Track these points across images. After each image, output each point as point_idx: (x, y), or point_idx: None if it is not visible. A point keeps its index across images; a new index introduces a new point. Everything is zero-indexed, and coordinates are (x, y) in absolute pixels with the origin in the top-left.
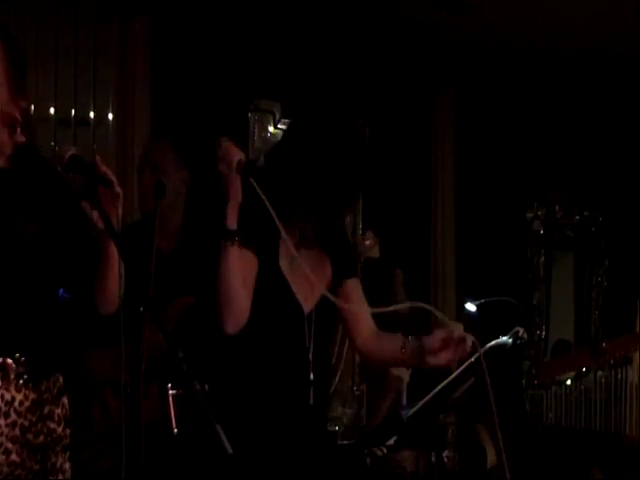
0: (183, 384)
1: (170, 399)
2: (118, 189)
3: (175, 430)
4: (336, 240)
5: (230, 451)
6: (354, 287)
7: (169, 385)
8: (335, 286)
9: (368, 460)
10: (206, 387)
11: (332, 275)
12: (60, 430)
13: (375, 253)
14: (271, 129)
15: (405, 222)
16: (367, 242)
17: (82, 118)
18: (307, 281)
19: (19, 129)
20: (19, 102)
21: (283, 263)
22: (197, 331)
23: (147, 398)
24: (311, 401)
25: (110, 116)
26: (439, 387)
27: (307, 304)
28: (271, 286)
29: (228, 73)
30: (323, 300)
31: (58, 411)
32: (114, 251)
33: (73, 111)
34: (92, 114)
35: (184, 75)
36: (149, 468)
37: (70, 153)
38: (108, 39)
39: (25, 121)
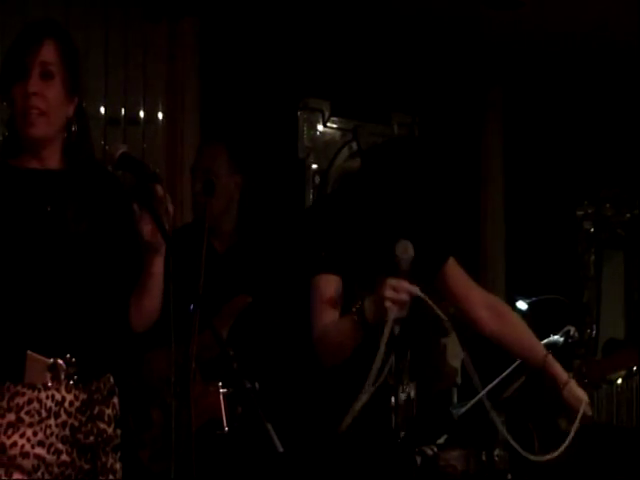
0: (234, 383)
1: (221, 397)
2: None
3: (226, 428)
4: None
5: (281, 449)
6: (453, 268)
7: (220, 384)
8: (431, 277)
9: (418, 459)
10: (257, 386)
11: (423, 268)
12: (110, 430)
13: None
14: (320, 127)
15: (454, 221)
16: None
17: (132, 117)
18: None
19: (73, 128)
20: (73, 101)
21: None
22: (254, 331)
23: (206, 397)
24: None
25: (160, 115)
26: (490, 386)
27: None
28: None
29: (277, 72)
30: None
31: (108, 411)
32: (159, 266)
33: (123, 110)
34: (142, 113)
35: (233, 74)
36: (205, 466)
37: (121, 151)
38: (157, 39)
39: (79, 120)
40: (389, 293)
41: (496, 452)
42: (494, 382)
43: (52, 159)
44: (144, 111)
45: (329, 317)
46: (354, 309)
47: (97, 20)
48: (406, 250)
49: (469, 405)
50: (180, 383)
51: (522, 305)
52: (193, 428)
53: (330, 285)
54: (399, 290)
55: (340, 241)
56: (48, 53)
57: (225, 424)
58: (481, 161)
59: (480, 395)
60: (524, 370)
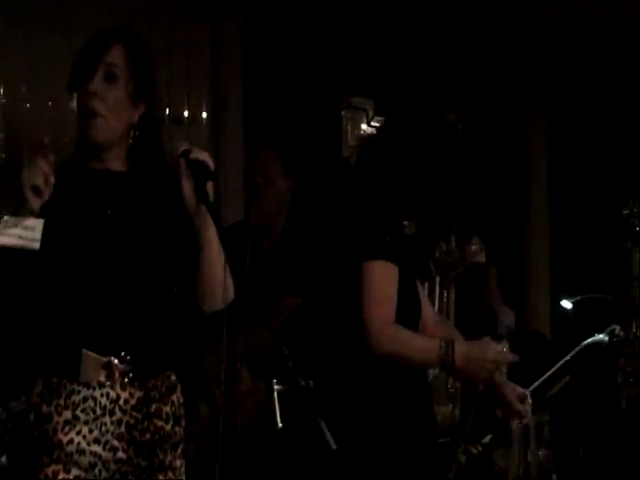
0: (288, 380)
1: (275, 395)
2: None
3: (279, 425)
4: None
5: (334, 447)
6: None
7: (274, 381)
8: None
9: (463, 458)
10: (310, 383)
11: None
12: (168, 428)
13: (481, 258)
14: (364, 126)
15: (498, 219)
16: (473, 247)
17: (176, 117)
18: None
19: (135, 133)
20: (138, 108)
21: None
22: (306, 330)
23: (254, 395)
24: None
25: (204, 115)
26: (535, 385)
27: None
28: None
29: (320, 71)
30: None
31: (166, 409)
32: (213, 234)
33: (167, 110)
34: (186, 113)
35: (276, 74)
36: (258, 463)
37: (183, 148)
38: (201, 39)
39: (144, 127)
40: (493, 357)
41: (540, 452)
42: (539, 381)
43: (115, 161)
44: (188, 111)
45: (387, 310)
46: (442, 344)
47: (141, 21)
48: (507, 315)
49: None
50: (227, 381)
51: (567, 304)
52: (239, 425)
53: (389, 274)
54: (502, 360)
55: (398, 227)
56: (115, 55)
57: (279, 421)
58: (525, 161)
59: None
60: (569, 369)
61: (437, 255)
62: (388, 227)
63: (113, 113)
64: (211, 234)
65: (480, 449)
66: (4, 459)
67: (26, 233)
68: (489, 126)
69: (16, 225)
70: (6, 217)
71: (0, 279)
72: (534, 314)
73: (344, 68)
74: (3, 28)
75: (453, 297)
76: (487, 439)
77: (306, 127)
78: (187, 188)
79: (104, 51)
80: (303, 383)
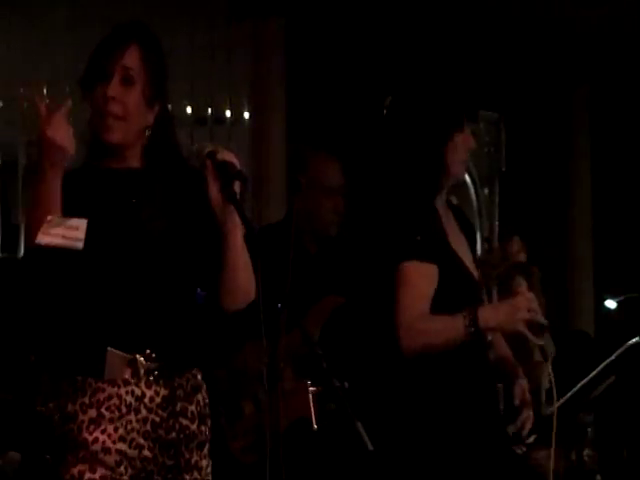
0: (323, 381)
1: (310, 396)
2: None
3: (315, 427)
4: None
5: (371, 448)
6: None
7: (309, 382)
8: None
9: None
10: (345, 384)
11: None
12: (194, 427)
13: (522, 258)
14: None
15: (542, 218)
16: (515, 247)
17: (218, 117)
18: (467, 256)
19: (148, 133)
20: (153, 109)
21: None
22: (347, 330)
23: (297, 394)
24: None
25: (246, 115)
26: (579, 385)
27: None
28: (456, 274)
29: (362, 70)
30: None
31: (192, 408)
32: (237, 238)
33: (209, 110)
34: (228, 113)
35: (319, 73)
36: (296, 464)
37: (207, 150)
38: (243, 38)
39: (159, 126)
40: (523, 304)
41: (585, 452)
42: (583, 381)
43: (132, 159)
44: (230, 111)
45: (418, 308)
46: (464, 314)
47: (183, 20)
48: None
49: (558, 405)
50: (269, 380)
51: (611, 304)
52: (282, 425)
53: (422, 274)
54: (533, 307)
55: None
56: (131, 59)
57: (314, 422)
58: (568, 159)
59: (569, 395)
60: (613, 369)
61: (479, 254)
62: (419, 226)
63: (131, 116)
64: (237, 235)
65: (525, 449)
66: (17, 455)
67: (70, 233)
68: (532, 125)
69: (60, 225)
70: (50, 217)
71: (45, 278)
72: (578, 314)
73: (387, 67)
74: (45, 29)
75: (496, 297)
76: (532, 439)
77: (350, 127)
78: (214, 189)
79: (121, 54)
80: (338, 384)
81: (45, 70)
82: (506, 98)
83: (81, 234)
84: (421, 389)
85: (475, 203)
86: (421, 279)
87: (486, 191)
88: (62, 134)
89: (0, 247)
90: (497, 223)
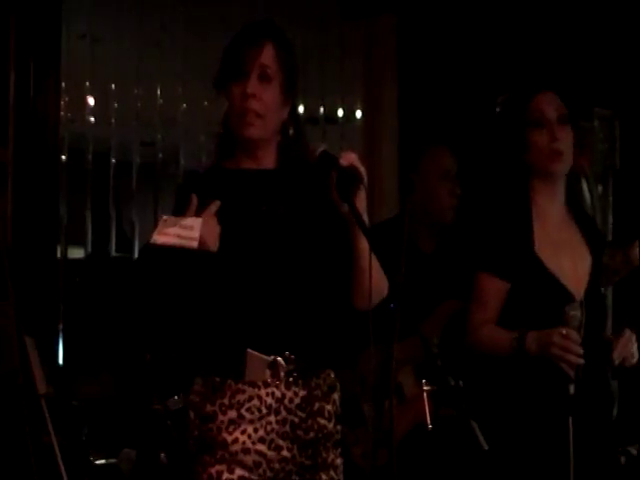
0: (438, 381)
1: (425, 395)
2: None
3: (429, 426)
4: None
5: (485, 447)
6: None
7: (424, 381)
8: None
9: (623, 459)
10: (460, 383)
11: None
12: (331, 426)
13: None
14: None
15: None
16: (637, 250)
17: (330, 116)
18: (572, 263)
19: (291, 131)
20: (288, 104)
21: (543, 253)
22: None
23: (418, 400)
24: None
25: (358, 114)
26: None
27: (578, 289)
28: (538, 286)
29: (475, 69)
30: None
31: (328, 407)
32: (362, 242)
33: (321, 109)
34: (340, 112)
35: (430, 72)
36: (412, 464)
37: (321, 149)
38: (355, 37)
39: (294, 122)
40: (559, 342)
41: None
42: None
43: (266, 159)
44: (342, 110)
45: (482, 315)
46: (515, 336)
47: (295, 19)
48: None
49: None
50: (386, 384)
51: None
52: (402, 430)
53: (491, 288)
54: (569, 346)
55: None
56: (267, 56)
57: (429, 422)
58: None
59: None
60: None
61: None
62: (502, 235)
63: (270, 112)
64: (362, 240)
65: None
66: (163, 456)
67: (185, 232)
68: None
69: (175, 224)
70: (165, 216)
71: (160, 277)
72: None
73: (498, 66)
74: (157, 31)
75: (610, 299)
76: None
77: (462, 126)
78: (336, 196)
79: (257, 52)
80: (453, 383)
81: (158, 71)
82: (621, 95)
83: (196, 233)
84: (519, 391)
85: (589, 201)
86: (490, 293)
87: (600, 189)
88: (213, 238)
89: (115, 246)
90: (611, 221)
